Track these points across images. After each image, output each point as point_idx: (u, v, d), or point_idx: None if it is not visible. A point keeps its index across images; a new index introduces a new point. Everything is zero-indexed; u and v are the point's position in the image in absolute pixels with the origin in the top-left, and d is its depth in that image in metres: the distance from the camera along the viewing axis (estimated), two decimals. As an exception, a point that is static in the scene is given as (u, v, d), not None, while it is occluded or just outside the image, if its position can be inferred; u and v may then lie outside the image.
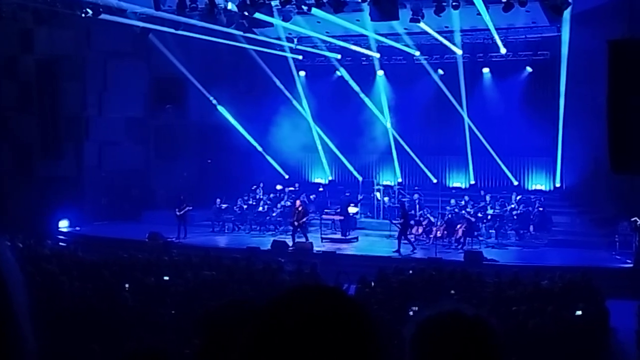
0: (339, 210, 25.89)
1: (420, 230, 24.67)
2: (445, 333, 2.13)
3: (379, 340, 1.54)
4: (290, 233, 24.06)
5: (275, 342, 1.49)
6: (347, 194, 26.94)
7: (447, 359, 2.12)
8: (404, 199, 26.31)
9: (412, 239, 24.10)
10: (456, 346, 2.11)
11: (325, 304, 1.53)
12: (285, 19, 22.90)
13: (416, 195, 26.69)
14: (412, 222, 24.86)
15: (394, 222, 24.51)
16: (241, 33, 25.25)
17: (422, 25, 22.80)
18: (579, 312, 13.31)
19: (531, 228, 24.65)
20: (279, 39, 27.81)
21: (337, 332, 1.49)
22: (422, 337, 2.16)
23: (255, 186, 28.39)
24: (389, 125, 29.46)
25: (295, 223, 23.89)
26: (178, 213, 25.10)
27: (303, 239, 23.60)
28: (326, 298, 1.55)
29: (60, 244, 23.94)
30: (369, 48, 28.32)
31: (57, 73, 27.37)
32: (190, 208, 25.48)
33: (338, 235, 25.21)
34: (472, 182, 29.34)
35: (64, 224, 26.73)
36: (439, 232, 23.95)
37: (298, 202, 24.74)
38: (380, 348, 1.54)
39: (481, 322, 2.18)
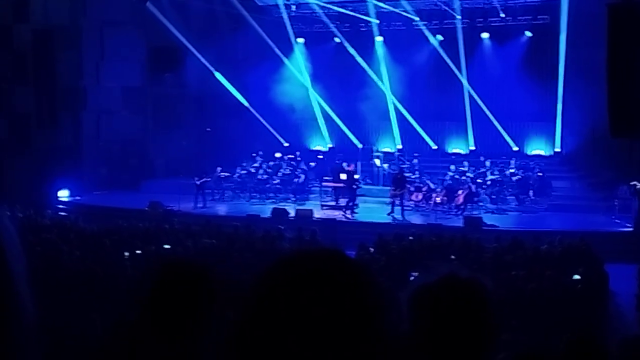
0: (331, 178, 25.76)
1: (420, 196, 24.64)
2: (440, 295, 2.16)
3: (381, 301, 1.55)
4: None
5: (279, 301, 1.50)
6: (338, 162, 26.68)
7: (442, 321, 2.14)
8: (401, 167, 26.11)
9: (412, 205, 24.18)
10: (451, 308, 2.14)
11: (328, 265, 1.55)
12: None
13: (415, 160, 26.56)
14: (411, 188, 24.84)
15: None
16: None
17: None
18: (576, 277, 13.34)
19: (531, 193, 24.64)
20: (277, 5, 27.59)
21: (340, 292, 1.50)
22: (418, 300, 2.18)
23: (254, 154, 28.31)
24: (388, 91, 29.31)
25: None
26: (197, 182, 24.86)
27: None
28: (329, 259, 1.57)
29: (61, 213, 23.92)
30: (367, 14, 28.11)
31: (53, 43, 27.16)
32: (209, 179, 25.39)
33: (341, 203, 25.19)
34: (472, 147, 29.32)
35: (64, 194, 26.69)
36: (438, 198, 23.93)
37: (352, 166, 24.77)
38: (382, 308, 1.55)
39: (475, 283, 2.20)
